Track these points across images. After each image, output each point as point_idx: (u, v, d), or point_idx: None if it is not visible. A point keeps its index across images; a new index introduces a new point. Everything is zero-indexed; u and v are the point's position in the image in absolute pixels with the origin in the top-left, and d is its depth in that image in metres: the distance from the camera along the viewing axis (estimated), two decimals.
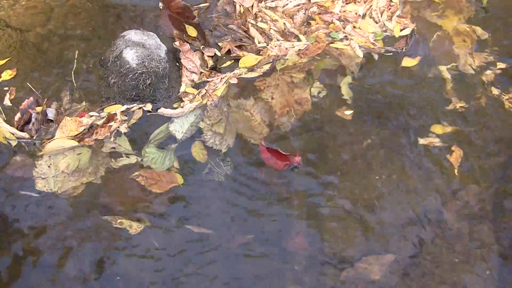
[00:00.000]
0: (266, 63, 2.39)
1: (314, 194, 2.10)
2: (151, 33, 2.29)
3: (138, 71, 2.18)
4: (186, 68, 2.32)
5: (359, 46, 2.47)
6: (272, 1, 2.56)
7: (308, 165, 2.16)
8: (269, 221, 2.03)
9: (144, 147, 2.15)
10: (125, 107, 2.22)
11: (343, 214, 2.05)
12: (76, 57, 2.39)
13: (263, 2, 2.55)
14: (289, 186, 2.12)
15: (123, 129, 2.18)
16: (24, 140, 2.12)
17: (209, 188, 2.09)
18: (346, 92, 2.36)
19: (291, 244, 1.98)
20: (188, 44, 2.39)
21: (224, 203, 2.06)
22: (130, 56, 2.19)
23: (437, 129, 2.27)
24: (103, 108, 2.21)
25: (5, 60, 2.33)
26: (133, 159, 2.13)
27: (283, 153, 2.10)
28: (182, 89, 2.30)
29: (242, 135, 2.22)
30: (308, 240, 1.99)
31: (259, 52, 2.43)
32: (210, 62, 2.40)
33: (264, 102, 2.31)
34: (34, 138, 2.14)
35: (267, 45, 2.44)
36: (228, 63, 2.41)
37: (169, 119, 2.22)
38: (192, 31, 2.44)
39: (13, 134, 2.12)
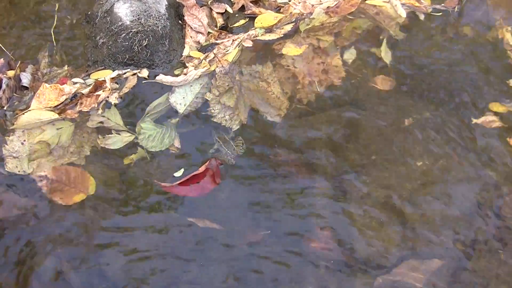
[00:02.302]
0: (288, 23, 2.37)
1: (343, 184, 2.07)
2: None
3: (133, 30, 2.17)
4: (191, 27, 2.32)
5: (401, 3, 2.43)
6: None
7: (336, 149, 2.14)
8: (287, 215, 2.01)
9: (139, 122, 2.13)
10: (116, 73, 2.19)
11: (378, 209, 2.02)
12: (56, 11, 2.39)
13: None
14: (312, 172, 2.09)
15: (114, 99, 2.14)
16: None
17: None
18: (384, 58, 2.34)
19: (314, 243, 1.96)
20: None
21: (234, 192, 2.05)
22: (123, 11, 2.18)
23: (496, 106, 2.25)
24: (90, 74, 2.21)
25: None
26: (125, 136, 2.11)
27: (195, 172, 2.06)
28: (185, 52, 2.29)
29: (257, 109, 2.21)
30: (335, 239, 1.97)
31: (279, 9, 2.42)
32: (220, 21, 2.40)
33: (284, 70, 2.28)
34: (5, 108, 2.13)
35: (289, 1, 2.43)
36: (242, 22, 2.40)
37: (169, 89, 2.20)
38: None
39: None
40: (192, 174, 2.05)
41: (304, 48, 2.27)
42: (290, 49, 2.29)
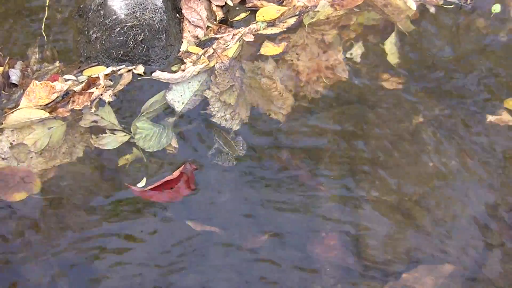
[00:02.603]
0: (291, 16, 2.32)
1: (350, 186, 2.06)
2: None
3: (128, 24, 2.15)
4: (189, 21, 2.29)
5: None
6: None
7: (343, 149, 2.12)
8: (291, 218, 2.02)
9: (134, 121, 2.11)
10: (110, 69, 2.17)
11: (387, 212, 2.02)
12: (47, 4, 2.36)
13: None
14: (318, 174, 2.08)
15: (108, 97, 2.13)
16: None
17: (215, 175, 2.07)
18: (392, 55, 2.30)
19: (320, 248, 1.97)
20: None
21: (234, 194, 2.05)
22: (118, 4, 2.17)
23: None
24: (82, 71, 2.19)
25: None
26: (120, 136, 2.09)
27: (168, 177, 2.05)
28: (183, 47, 2.27)
29: (259, 107, 2.18)
30: (342, 243, 1.97)
31: (282, 1, 2.37)
32: (220, 14, 2.36)
33: (287, 66, 2.25)
34: None
35: None
36: (243, 15, 2.35)
37: (166, 86, 2.17)
38: None
39: None
40: (166, 179, 2.04)
41: (282, 46, 2.23)
42: (269, 49, 2.25)
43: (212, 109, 2.16)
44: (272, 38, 2.28)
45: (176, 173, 2.04)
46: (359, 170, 2.10)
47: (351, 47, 2.33)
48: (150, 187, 2.04)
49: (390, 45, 2.33)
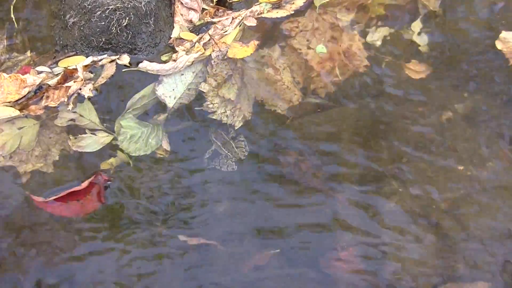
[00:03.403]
0: None
1: (369, 192, 2.01)
2: None
3: (110, 7, 2.11)
4: (181, 3, 2.27)
5: None
6: None
7: (361, 150, 2.07)
8: (302, 231, 1.98)
9: (118, 119, 2.07)
10: (90, 59, 2.13)
11: (411, 222, 1.98)
12: None
13: None
14: (332, 179, 2.03)
15: (87, 92, 2.08)
16: None
17: (213, 181, 2.03)
18: (419, 40, 2.27)
19: (335, 264, 1.93)
20: None
21: (235, 203, 2.02)
22: None
23: None
24: (58, 61, 2.16)
25: None
26: (102, 137, 2.04)
27: (75, 188, 1.99)
28: (174, 33, 2.23)
29: (263, 102, 2.15)
30: (360, 258, 1.92)
31: None
32: None
33: (296, 55, 2.22)
34: None
35: None
36: None
37: (155, 79, 2.14)
38: None
39: None
40: (72, 189, 1.99)
41: (253, 46, 2.17)
42: (237, 50, 2.19)
43: (209, 105, 2.12)
44: (243, 37, 2.24)
45: (85, 184, 1.98)
46: (379, 174, 2.07)
47: (371, 31, 2.30)
48: (53, 198, 1.99)
49: (418, 28, 2.30)
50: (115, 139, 2.08)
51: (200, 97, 2.17)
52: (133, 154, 2.03)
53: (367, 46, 2.27)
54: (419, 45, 2.29)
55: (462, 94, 2.19)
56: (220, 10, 2.31)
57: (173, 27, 2.26)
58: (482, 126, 2.14)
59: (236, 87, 2.15)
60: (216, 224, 1.99)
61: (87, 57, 2.17)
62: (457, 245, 1.95)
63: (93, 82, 2.13)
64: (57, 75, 2.11)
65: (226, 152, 2.06)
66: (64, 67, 2.13)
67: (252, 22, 2.24)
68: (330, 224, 2.01)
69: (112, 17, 2.11)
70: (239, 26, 2.23)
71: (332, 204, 2.02)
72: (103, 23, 2.12)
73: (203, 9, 2.29)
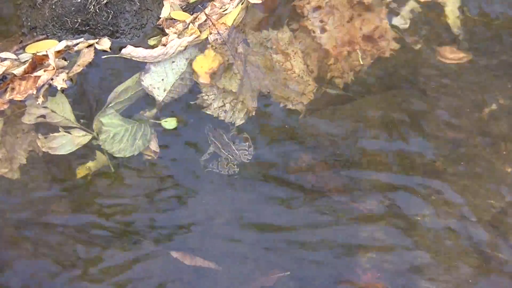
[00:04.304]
0: None
1: (398, 202, 1.90)
2: None
3: None
4: None
5: None
6: None
7: (387, 151, 1.97)
8: (315, 250, 1.88)
9: (98, 116, 1.97)
10: (63, 44, 2.02)
11: (447, 238, 1.88)
12: None
13: None
14: (353, 187, 1.92)
15: (61, 83, 1.97)
16: None
17: (211, 188, 1.95)
18: (454, 21, 2.16)
19: None
20: None
21: (236, 215, 1.92)
22: None
23: None
24: (25, 46, 2.08)
25: None
26: (78, 136, 1.95)
27: None
28: (164, 13, 2.12)
29: (270, 95, 2.05)
30: (387, 283, 1.81)
31: None
32: None
33: (309, 38, 2.11)
34: None
35: None
36: None
37: (142, 67, 2.04)
38: None
39: None
40: None
41: (217, 59, 2.05)
42: (200, 62, 2.07)
43: (205, 98, 2.02)
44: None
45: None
46: (409, 180, 1.97)
47: (398, 11, 2.17)
48: None
49: (452, 9, 2.21)
50: (94, 138, 1.97)
51: (195, 89, 2.06)
52: (118, 155, 1.94)
53: (395, 26, 2.16)
54: (456, 28, 2.20)
55: (506, 84, 2.09)
56: None
57: (163, 6, 2.18)
58: None
59: (238, 77, 2.05)
60: (214, 240, 1.90)
61: (60, 41, 2.06)
62: (502, 265, 1.84)
63: (67, 72, 2.03)
64: (24, 62, 2.03)
65: (227, 154, 1.96)
66: (33, 53, 2.05)
67: (257, 0, 2.16)
68: (350, 242, 1.92)
69: None
70: (241, 4, 2.13)
71: (353, 218, 1.92)
72: (79, 0, 2.05)
73: None
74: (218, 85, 2.07)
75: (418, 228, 1.92)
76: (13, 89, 1.98)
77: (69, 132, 1.98)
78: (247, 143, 2.00)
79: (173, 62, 2.05)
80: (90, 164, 1.95)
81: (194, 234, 1.93)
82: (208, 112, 2.02)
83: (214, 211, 1.95)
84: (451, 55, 2.15)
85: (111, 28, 2.10)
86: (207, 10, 2.13)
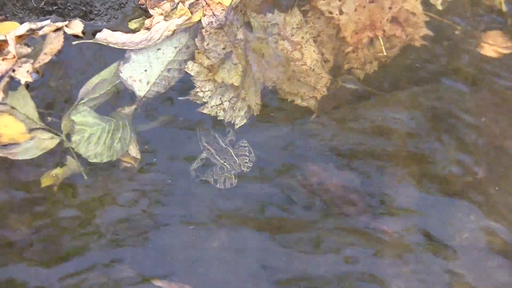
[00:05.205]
0: None
1: (431, 223, 1.76)
2: None
3: None
4: None
5: None
6: None
7: (417, 158, 1.86)
8: (331, 282, 1.77)
9: (68, 113, 1.84)
10: (26, 27, 1.87)
11: (497, 264, 1.75)
12: None
13: None
14: (376, 204, 1.80)
15: (24, 75, 1.84)
16: None
17: (203, 203, 1.82)
18: (499, 3, 2.09)
19: None
20: None
21: (234, 236, 1.81)
22: None
23: None
24: None
25: None
26: (44, 139, 1.84)
27: None
28: None
29: (277, 89, 1.92)
30: None
31: None
32: None
33: (323, 21, 1.97)
34: None
35: None
36: None
37: (121, 55, 1.90)
38: None
39: None
40: None
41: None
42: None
43: (199, 93, 1.87)
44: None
45: None
46: (440, 193, 1.86)
47: None
48: None
49: None
50: (65, 141, 1.85)
51: (185, 82, 1.91)
52: (93, 161, 1.80)
53: (427, 7, 2.04)
54: (503, 11, 2.09)
55: None
56: None
57: None
58: None
59: (239, 68, 1.88)
60: (207, 266, 1.80)
61: (21, 23, 1.91)
62: None
63: (31, 61, 1.87)
64: None
65: (222, 162, 1.82)
66: None
67: None
68: (374, 273, 1.80)
69: None
70: None
71: (375, 243, 1.82)
72: None
73: None
74: (216, 78, 1.92)
75: (456, 250, 1.81)
76: None
77: (32, 134, 1.87)
78: (247, 149, 1.87)
79: (158, 49, 1.91)
80: (58, 171, 1.83)
81: (182, 257, 1.80)
82: (204, 111, 1.89)
83: (207, 231, 1.82)
84: (497, 43, 2.07)
85: (83, 8, 1.97)
86: None
